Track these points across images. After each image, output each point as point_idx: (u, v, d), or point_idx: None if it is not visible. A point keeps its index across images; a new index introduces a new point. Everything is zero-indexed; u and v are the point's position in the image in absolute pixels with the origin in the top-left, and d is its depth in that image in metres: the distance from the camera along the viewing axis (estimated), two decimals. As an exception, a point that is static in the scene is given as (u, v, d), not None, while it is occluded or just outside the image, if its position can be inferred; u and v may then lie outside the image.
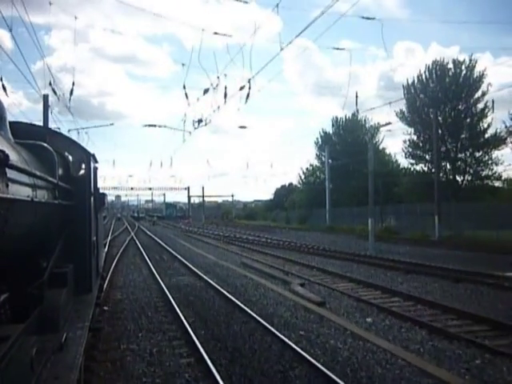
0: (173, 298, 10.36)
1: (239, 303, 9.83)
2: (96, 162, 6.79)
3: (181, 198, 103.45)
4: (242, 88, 10.53)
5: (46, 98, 17.85)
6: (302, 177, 55.66)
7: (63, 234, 5.10)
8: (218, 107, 15.07)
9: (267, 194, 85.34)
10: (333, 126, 51.44)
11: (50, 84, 14.27)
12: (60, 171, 4.87)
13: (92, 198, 6.03)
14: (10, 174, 3.14)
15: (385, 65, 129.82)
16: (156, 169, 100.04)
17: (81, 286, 5.32)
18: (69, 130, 21.28)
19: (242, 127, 38.87)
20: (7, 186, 3.03)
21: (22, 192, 3.52)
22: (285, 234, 33.77)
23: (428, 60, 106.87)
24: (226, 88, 12.34)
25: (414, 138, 38.71)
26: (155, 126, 29.29)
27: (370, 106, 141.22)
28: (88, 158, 6.07)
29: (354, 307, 9.65)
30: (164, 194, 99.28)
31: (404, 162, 49.84)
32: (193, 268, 15.40)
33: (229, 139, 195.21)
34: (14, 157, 3.46)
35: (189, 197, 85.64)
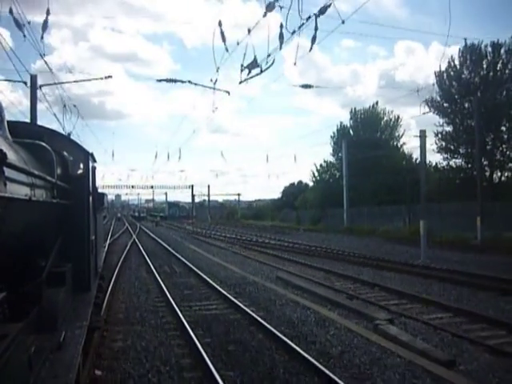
0: (203, 348, 6.60)
1: (318, 365, 5.83)
2: (94, 161, 6.81)
3: (181, 197, 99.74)
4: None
5: (33, 79, 15.25)
6: (315, 174, 52.23)
7: (61, 233, 5.14)
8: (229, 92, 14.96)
9: (268, 193, 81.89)
10: (351, 118, 47.84)
11: (42, 56, 12.18)
12: (58, 170, 4.91)
13: (90, 198, 6.01)
14: (8, 172, 3.17)
15: (385, 64, 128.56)
16: (161, 162, 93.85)
17: (79, 285, 5.36)
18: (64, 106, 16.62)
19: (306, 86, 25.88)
20: (5, 184, 3.06)
21: (20, 191, 3.54)
22: (303, 237, 31.48)
23: (430, 59, 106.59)
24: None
25: (448, 129, 35.79)
26: (175, 81, 18.60)
27: (370, 105, 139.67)
28: (86, 157, 6.11)
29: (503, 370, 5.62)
30: (166, 193, 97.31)
31: (429, 158, 45.66)
32: (216, 286, 11.81)
33: (229, 138, 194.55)
34: (12, 156, 3.49)
35: (192, 195, 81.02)
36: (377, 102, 47.64)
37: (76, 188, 5.87)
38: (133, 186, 71.90)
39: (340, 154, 46.41)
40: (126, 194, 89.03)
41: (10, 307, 3.40)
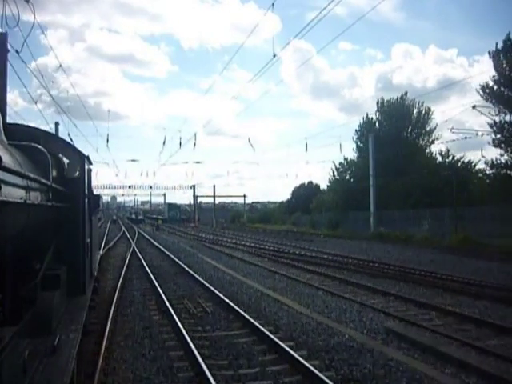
0: None
1: None
2: (90, 163, 6.81)
3: (178, 200, 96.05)
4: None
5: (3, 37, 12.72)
6: (335, 173, 47.99)
7: (57, 236, 5.18)
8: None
9: (266, 196, 78.60)
10: (377, 110, 43.78)
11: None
12: (54, 173, 4.94)
13: (86, 200, 6.02)
14: (3, 175, 3.21)
15: (383, 66, 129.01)
16: (170, 151, 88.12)
17: (74, 288, 5.36)
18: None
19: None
20: (0, 187, 3.04)
21: (14, 194, 3.57)
22: (329, 244, 28.60)
23: (427, 62, 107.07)
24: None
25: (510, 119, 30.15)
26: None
27: (368, 108, 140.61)
28: (82, 159, 6.15)
29: None
30: (164, 194, 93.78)
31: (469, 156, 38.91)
32: (286, 348, 6.94)
33: (226, 141, 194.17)
34: (7, 158, 3.51)
35: (194, 196, 76.19)
36: (406, 93, 43.70)
37: (71, 191, 5.91)
38: (130, 187, 69.72)
39: (360, 151, 42.97)
40: (123, 194, 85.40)
41: (4, 310, 3.39)
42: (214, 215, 70.78)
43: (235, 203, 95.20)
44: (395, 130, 41.17)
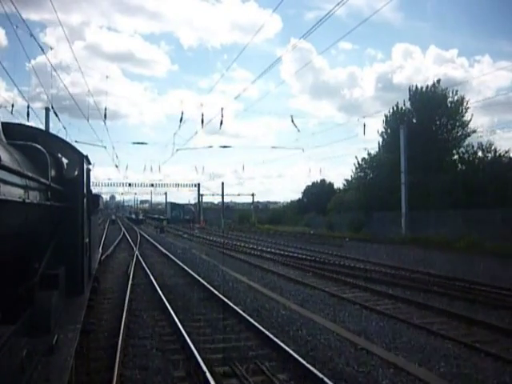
0: None
1: None
2: (89, 163, 6.82)
3: (178, 199, 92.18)
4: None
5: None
6: (358, 169, 44.26)
7: (55, 236, 5.21)
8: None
9: (267, 196, 73.73)
10: (409, 99, 39.99)
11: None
12: (52, 172, 4.99)
13: (85, 200, 6.02)
14: (2, 175, 3.23)
15: (383, 66, 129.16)
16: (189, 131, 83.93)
17: (73, 288, 5.39)
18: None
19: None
20: None
21: (13, 193, 3.59)
22: (363, 250, 25.65)
23: (427, 62, 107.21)
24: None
25: None
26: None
27: (368, 108, 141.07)
28: (81, 159, 6.20)
29: None
30: (166, 193, 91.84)
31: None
32: None
33: (226, 140, 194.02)
34: (6, 158, 3.53)
35: (199, 195, 71.89)
36: (438, 81, 40.13)
37: (70, 190, 5.96)
38: (130, 184, 67.35)
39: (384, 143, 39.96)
40: (122, 193, 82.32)
41: (2, 309, 3.39)
42: (223, 215, 66.65)
43: (234, 203, 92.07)
44: (428, 122, 37.90)
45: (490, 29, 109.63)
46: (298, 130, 27.53)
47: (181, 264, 18.91)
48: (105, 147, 23.30)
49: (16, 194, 4.08)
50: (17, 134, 5.28)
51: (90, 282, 7.79)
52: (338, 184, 59.47)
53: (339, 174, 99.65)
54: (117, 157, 45.62)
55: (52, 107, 20.01)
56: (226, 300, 11.31)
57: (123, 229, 48.72)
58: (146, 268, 17.58)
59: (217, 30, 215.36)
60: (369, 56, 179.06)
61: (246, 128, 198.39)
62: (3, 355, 2.84)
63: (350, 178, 51.33)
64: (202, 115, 22.68)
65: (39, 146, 5.45)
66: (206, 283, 13.89)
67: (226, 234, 46.46)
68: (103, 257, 18.18)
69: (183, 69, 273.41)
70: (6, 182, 3.68)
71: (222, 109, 21.42)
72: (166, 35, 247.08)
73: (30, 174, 4.46)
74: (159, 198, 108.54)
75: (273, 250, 26.07)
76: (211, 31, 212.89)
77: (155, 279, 14.76)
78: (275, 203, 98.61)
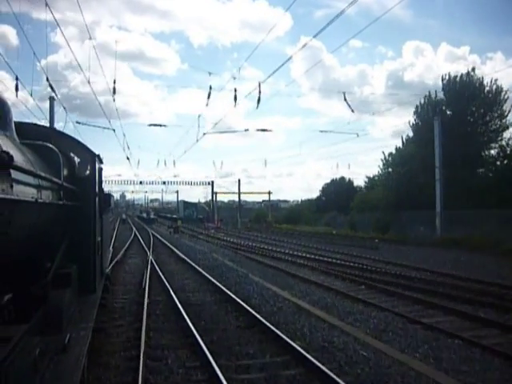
0: None
1: None
2: (101, 162, 6.86)
3: (188, 197, 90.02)
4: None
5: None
6: (385, 166, 42.07)
7: (68, 235, 5.26)
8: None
9: (276, 194, 70.59)
10: (443, 89, 37.45)
11: None
12: (65, 172, 5.03)
13: (97, 199, 6.05)
14: (15, 174, 3.24)
15: (393, 64, 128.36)
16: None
17: (85, 287, 5.43)
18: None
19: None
20: (11, 186, 3.11)
21: (26, 193, 3.61)
22: (404, 254, 23.64)
23: (439, 60, 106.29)
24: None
25: None
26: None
27: (378, 106, 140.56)
28: (93, 158, 6.24)
29: None
30: (177, 192, 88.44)
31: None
32: None
33: (236, 139, 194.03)
34: (18, 158, 3.55)
35: (213, 193, 69.28)
36: (473, 69, 37.51)
37: (82, 189, 6.01)
38: (141, 182, 66.64)
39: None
40: (132, 191, 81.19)
41: (15, 308, 3.42)
42: (240, 215, 64.93)
43: (245, 201, 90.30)
44: (463, 113, 35.57)
45: (500, 26, 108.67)
46: (352, 111, 22.96)
47: (204, 273, 16.15)
48: (113, 130, 21.30)
49: (29, 193, 4.13)
50: (30, 134, 5.35)
51: (102, 280, 7.85)
52: (358, 182, 58.17)
53: (351, 173, 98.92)
54: (128, 147, 43.10)
55: (56, 95, 19.85)
56: (276, 331, 8.39)
57: (134, 229, 47.02)
58: (164, 279, 14.81)
59: (227, 29, 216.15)
60: (379, 54, 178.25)
61: (256, 126, 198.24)
62: (17, 354, 2.86)
63: (371, 176, 49.86)
64: (235, 90, 18.20)
65: (52, 146, 5.52)
66: (240, 301, 11.10)
67: (244, 234, 45.14)
68: (112, 263, 16.02)
69: (193, 67, 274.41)
70: (19, 182, 3.73)
71: (259, 84, 17.20)
72: (176, 34, 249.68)
73: (42, 174, 4.51)
74: (169, 197, 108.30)
75: (303, 254, 23.80)
76: (221, 30, 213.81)
77: (176, 295, 11.97)
78: (286, 202, 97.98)
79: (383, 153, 42.16)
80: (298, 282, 15.29)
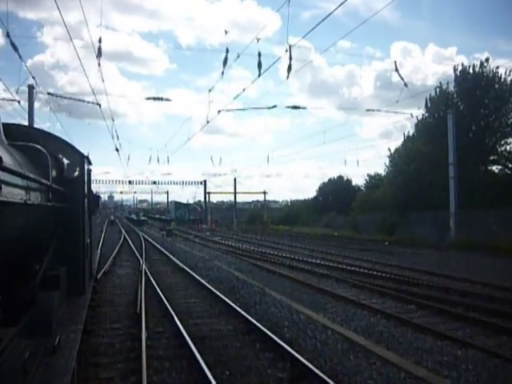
0: None
1: None
2: (90, 163, 6.83)
3: (178, 198, 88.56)
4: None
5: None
6: (391, 163, 40.32)
7: (56, 237, 5.25)
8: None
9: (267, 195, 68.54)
10: (455, 80, 35.86)
11: None
12: (54, 173, 5.02)
13: (86, 200, 6.03)
14: (3, 176, 3.25)
15: (382, 65, 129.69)
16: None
17: (74, 289, 5.38)
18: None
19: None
20: (0, 188, 3.06)
21: (15, 194, 3.61)
22: (424, 259, 22.46)
23: (426, 60, 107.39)
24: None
25: None
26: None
27: (367, 106, 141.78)
28: (82, 160, 6.22)
29: None
30: (167, 192, 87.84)
31: None
32: None
33: (225, 139, 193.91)
34: (7, 159, 3.55)
35: (205, 193, 67.34)
36: (487, 59, 35.81)
37: (71, 191, 6.00)
38: (130, 182, 65.85)
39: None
40: (121, 192, 79.93)
41: (4, 311, 3.41)
42: (235, 215, 62.11)
43: (230, 201, 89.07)
44: (477, 106, 33.95)
45: (486, 27, 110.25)
46: (405, 85, 19.72)
47: (211, 288, 13.63)
48: (99, 105, 18.95)
49: (17, 195, 4.12)
50: (18, 135, 5.33)
51: (91, 282, 7.82)
52: (354, 181, 57.25)
53: (340, 173, 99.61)
54: (118, 137, 39.09)
55: (36, 84, 19.33)
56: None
57: (123, 231, 45.55)
58: (163, 297, 12.18)
59: (215, 29, 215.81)
60: (367, 54, 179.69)
61: (245, 127, 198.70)
62: (6, 357, 2.85)
63: (373, 174, 48.91)
64: (259, 55, 13.58)
65: (40, 147, 5.52)
66: (269, 333, 8.48)
67: (241, 237, 43.48)
68: (100, 273, 14.40)
69: (181, 67, 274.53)
70: (7, 184, 3.73)
71: (289, 47, 12.64)
72: (165, 34, 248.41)
73: (31, 175, 4.52)
74: (157, 198, 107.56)
75: (317, 261, 21.70)
76: (209, 30, 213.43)
77: (182, 323, 9.35)
78: (275, 202, 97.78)
79: (389, 149, 40.69)
80: (330, 300, 12.98)
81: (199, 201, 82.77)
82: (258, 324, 9.27)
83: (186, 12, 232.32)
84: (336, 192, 54.93)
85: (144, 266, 18.29)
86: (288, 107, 24.88)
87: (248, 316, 10.01)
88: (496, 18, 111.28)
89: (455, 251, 24.86)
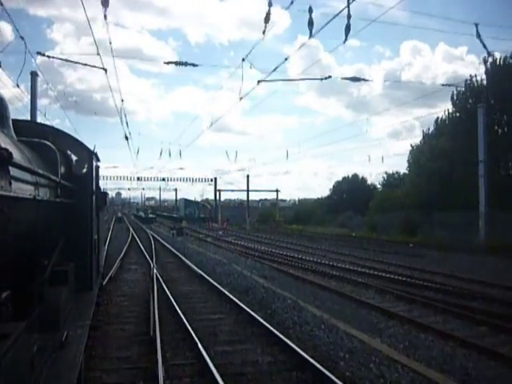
0: None
1: None
2: (98, 160, 6.87)
3: (184, 196, 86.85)
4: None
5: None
6: (411, 160, 39.53)
7: (64, 232, 5.27)
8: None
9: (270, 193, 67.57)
10: (485, 72, 34.09)
11: None
12: (62, 169, 5.07)
13: (94, 197, 6.08)
14: (13, 172, 3.27)
15: (391, 63, 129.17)
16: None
17: (81, 285, 5.41)
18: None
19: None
20: (10, 183, 3.15)
21: (24, 190, 3.64)
22: (466, 265, 20.58)
23: (436, 60, 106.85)
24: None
25: None
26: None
27: (375, 105, 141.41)
28: (90, 156, 6.29)
29: None
30: (176, 189, 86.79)
31: None
32: None
33: (233, 137, 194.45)
34: (17, 155, 3.59)
35: (216, 191, 65.23)
36: None
37: (79, 187, 6.06)
38: (139, 178, 65.74)
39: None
40: (129, 188, 79.53)
41: (12, 306, 3.44)
42: (248, 214, 59.41)
43: (241, 200, 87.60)
44: (508, 99, 31.79)
45: (495, 26, 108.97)
46: (488, 53, 17.21)
47: (236, 300, 11.57)
48: (105, 70, 15.83)
49: (27, 190, 4.18)
50: (27, 131, 5.36)
51: (99, 278, 7.87)
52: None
53: (349, 172, 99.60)
54: (127, 124, 38.31)
55: (40, 70, 18.95)
56: None
57: (131, 229, 44.43)
58: (180, 312, 10.31)
59: (224, 27, 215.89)
60: (377, 53, 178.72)
61: (253, 126, 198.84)
62: (15, 351, 2.87)
63: (391, 172, 48.51)
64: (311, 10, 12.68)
65: (49, 143, 5.58)
66: (322, 368, 6.56)
67: (256, 236, 41.94)
68: (105, 280, 13.06)
69: (190, 65, 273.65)
70: (17, 179, 3.78)
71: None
72: (174, 31, 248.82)
73: (40, 171, 4.57)
74: (164, 196, 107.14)
75: (344, 266, 20.01)
76: (219, 27, 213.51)
77: (207, 350, 7.48)
78: (283, 201, 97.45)
79: (412, 146, 39.46)
80: (380, 318, 10.93)
81: (207, 199, 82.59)
82: (305, 355, 7.26)
83: (195, 9, 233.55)
84: (351, 191, 53.71)
85: (155, 271, 16.27)
86: (343, 78, 20.70)
87: (290, 342, 8.01)
88: (504, 16, 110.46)
89: (487, 255, 23.24)
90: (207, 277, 15.73)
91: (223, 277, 16.12)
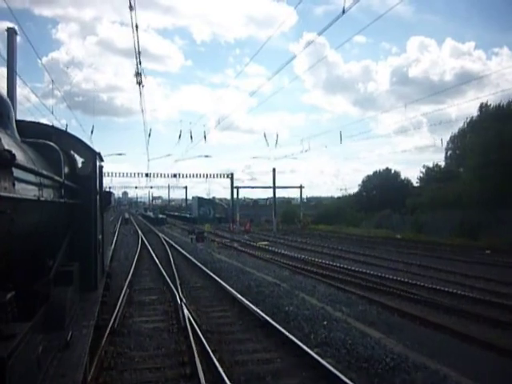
0: None
1: None
2: (102, 160, 6.91)
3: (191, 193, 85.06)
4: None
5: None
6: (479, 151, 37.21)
7: (69, 233, 5.36)
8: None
9: (283, 191, 63.13)
10: None
11: None
12: (66, 170, 5.13)
13: (98, 197, 6.10)
14: (17, 173, 3.33)
15: (398, 60, 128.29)
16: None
17: (86, 284, 5.46)
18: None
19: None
20: (14, 185, 3.20)
21: (28, 191, 3.70)
22: None
23: (444, 55, 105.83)
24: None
25: None
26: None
27: (382, 102, 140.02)
28: (94, 156, 6.33)
29: None
30: (186, 187, 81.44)
31: None
32: None
33: (238, 136, 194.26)
34: (20, 156, 3.65)
35: (232, 188, 57.16)
36: None
37: (83, 187, 6.12)
38: (147, 175, 60.40)
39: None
40: (136, 187, 77.40)
41: (18, 306, 3.49)
42: (275, 214, 50.68)
43: (250, 199, 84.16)
44: None
45: (503, 21, 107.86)
46: None
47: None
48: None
49: (31, 191, 4.24)
50: (30, 132, 5.42)
51: (104, 278, 7.93)
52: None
53: (355, 170, 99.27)
54: (140, 63, 31.91)
55: (19, 25, 18.19)
56: None
57: (140, 233, 38.55)
58: None
59: (230, 25, 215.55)
60: (383, 50, 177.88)
61: (259, 123, 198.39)
62: (21, 351, 2.93)
63: (431, 165, 44.96)
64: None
65: (53, 144, 5.67)
66: None
67: (288, 240, 36.84)
68: (107, 330, 8.15)
69: (196, 64, 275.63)
70: (21, 181, 3.84)
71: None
72: (180, 30, 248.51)
73: (44, 172, 4.65)
74: (172, 194, 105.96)
75: (423, 283, 14.64)
76: (225, 26, 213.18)
77: None
78: (293, 199, 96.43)
79: (455, 136, 36.47)
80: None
81: (213, 197, 79.28)
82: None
83: (201, 8, 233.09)
84: (383, 187, 47.78)
85: (184, 307, 10.19)
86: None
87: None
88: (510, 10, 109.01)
89: None
90: (276, 324, 8.77)
91: (303, 323, 9.41)
